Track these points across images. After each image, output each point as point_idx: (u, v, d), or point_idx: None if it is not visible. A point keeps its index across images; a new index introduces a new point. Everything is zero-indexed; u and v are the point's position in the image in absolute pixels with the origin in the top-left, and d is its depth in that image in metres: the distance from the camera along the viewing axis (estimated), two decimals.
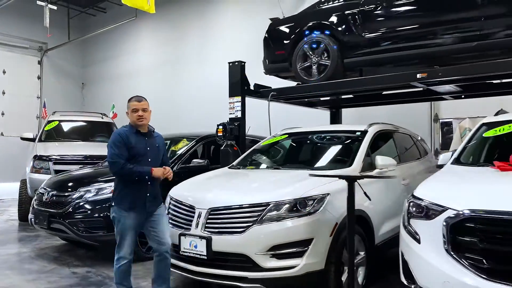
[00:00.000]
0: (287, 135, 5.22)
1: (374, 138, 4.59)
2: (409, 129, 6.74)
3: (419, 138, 5.92)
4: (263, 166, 4.86)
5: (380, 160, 4.14)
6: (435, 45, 4.79)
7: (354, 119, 8.20)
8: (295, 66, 5.78)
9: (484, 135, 3.74)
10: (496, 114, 4.19)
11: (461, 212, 2.39)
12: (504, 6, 4.28)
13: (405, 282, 2.72)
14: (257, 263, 3.24)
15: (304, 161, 4.91)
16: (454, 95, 6.19)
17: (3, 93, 13.13)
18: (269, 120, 5.73)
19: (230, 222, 3.39)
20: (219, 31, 10.67)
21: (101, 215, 4.95)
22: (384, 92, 6.60)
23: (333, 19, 5.49)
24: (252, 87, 6.06)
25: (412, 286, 2.65)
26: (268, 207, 3.33)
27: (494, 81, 5.42)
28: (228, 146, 5.46)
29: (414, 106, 7.58)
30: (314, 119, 7.72)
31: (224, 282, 3.38)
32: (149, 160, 3.41)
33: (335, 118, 7.90)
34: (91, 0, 12.99)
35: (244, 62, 5.82)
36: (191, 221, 3.55)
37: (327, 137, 5.02)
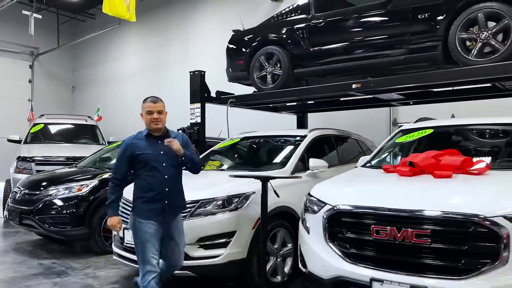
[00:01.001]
0: (239, 139, 5.71)
1: (312, 142, 5.07)
2: (371, 133, 7.22)
3: (366, 142, 6.37)
4: (213, 167, 5.34)
5: (312, 162, 4.62)
6: (371, 57, 5.25)
7: (320, 122, 8.68)
8: (253, 75, 6.27)
9: (396, 140, 4.21)
10: (416, 121, 4.66)
11: (334, 207, 2.87)
12: (425, 25, 4.74)
13: (302, 268, 3.20)
14: (186, 253, 3.72)
15: (250, 162, 5.37)
16: (403, 101, 6.68)
17: None
18: (227, 124, 6.21)
19: None
20: (200, 37, 11.15)
21: (68, 211, 5.46)
22: (342, 99, 7.06)
23: (285, 33, 5.96)
24: (214, 94, 6.55)
25: (304, 270, 3.12)
26: (198, 204, 3.82)
27: (434, 90, 5.89)
28: None
29: (375, 110, 8.05)
30: (284, 123, 8.23)
31: None
32: (164, 165, 3.17)
33: (302, 122, 8.36)
34: (81, 6, 13.48)
35: (204, 72, 6.31)
36: None
37: (274, 141, 5.50)
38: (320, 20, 5.64)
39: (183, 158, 3.21)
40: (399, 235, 2.52)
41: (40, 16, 10.89)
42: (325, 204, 2.95)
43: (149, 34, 12.63)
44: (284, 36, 5.96)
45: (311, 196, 3.18)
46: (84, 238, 5.50)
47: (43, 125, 10.38)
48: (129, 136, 3.33)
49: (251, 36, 6.40)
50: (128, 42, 13.39)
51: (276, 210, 4.02)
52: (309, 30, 5.73)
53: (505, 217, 2.32)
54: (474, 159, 3.21)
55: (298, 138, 5.13)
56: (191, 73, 6.32)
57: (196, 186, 4.08)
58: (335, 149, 5.51)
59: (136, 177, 3.24)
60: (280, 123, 8.34)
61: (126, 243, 4.06)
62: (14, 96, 13.96)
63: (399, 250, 2.54)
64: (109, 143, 8.74)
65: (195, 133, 6.04)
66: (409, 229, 2.49)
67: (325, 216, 2.91)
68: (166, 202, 3.18)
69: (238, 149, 5.73)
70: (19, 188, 5.97)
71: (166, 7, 12.10)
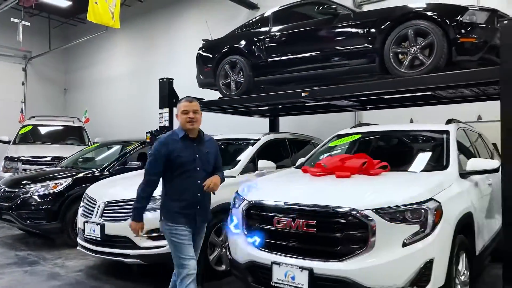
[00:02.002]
0: None
1: (265, 145, 5.56)
2: None
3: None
4: None
5: (260, 163, 5.10)
6: (320, 68, 5.70)
7: (291, 126, 9.14)
8: (218, 82, 6.75)
9: (329, 144, 4.70)
10: (352, 127, 5.14)
11: (249, 202, 3.36)
12: (364, 40, 5.20)
13: (228, 255, 3.68)
14: (136, 243, 4.22)
15: None
16: (361, 107, 7.18)
17: None
18: None
19: (119, 212, 4.38)
20: (182, 43, 11.64)
21: (43, 207, 5.96)
22: (307, 104, 7.53)
23: (246, 43, 6.43)
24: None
25: (230, 257, 3.61)
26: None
27: (385, 96, 6.36)
28: None
29: (342, 115, 8.53)
30: (258, 127, 8.68)
31: (113, 258, 4.37)
32: (197, 169, 3.10)
33: (273, 126, 8.84)
34: (71, 12, 13.98)
35: (172, 79, 6.80)
36: (93, 211, 4.54)
37: (229, 143, 5.98)
38: (276, 33, 6.12)
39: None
40: (293, 225, 3.01)
41: (28, 24, 11.42)
42: (244, 199, 3.44)
43: (135, 39, 13.16)
44: (246, 46, 6.42)
45: (237, 192, 3.67)
46: (58, 232, 6.00)
47: (31, 126, 10.92)
48: (163, 135, 3.26)
49: (217, 45, 6.89)
50: (115, 47, 13.91)
51: (219, 207, 4.48)
52: (266, 42, 6.20)
53: (373, 210, 2.80)
54: (382, 161, 3.69)
55: (251, 141, 5.62)
56: (160, 80, 6.81)
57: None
58: (288, 152, 5.98)
59: (167, 180, 3.13)
60: (255, 127, 8.78)
61: (86, 235, 4.55)
62: (8, 98, 14.46)
63: (294, 237, 3.03)
64: (95, 144, 9.22)
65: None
66: (300, 220, 2.97)
67: (243, 210, 3.40)
68: (198, 207, 3.12)
69: None
70: (0, 186, 6.48)
71: (151, 13, 12.63)
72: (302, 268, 2.91)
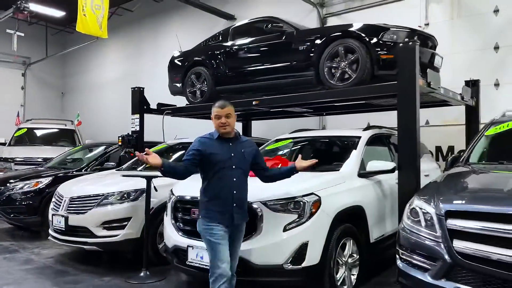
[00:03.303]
0: (167, 145, 6.90)
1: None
2: None
3: None
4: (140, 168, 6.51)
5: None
6: (269, 79, 6.38)
7: (263, 130, 9.81)
8: (186, 90, 7.47)
9: (266, 148, 5.38)
10: (291, 132, 5.81)
11: (176, 196, 4.06)
12: (304, 55, 5.86)
13: (162, 244, 4.38)
14: (94, 232, 4.94)
15: None
16: (317, 113, 7.87)
17: None
18: (163, 131, 7.37)
19: (81, 206, 5.10)
20: (168, 50, 12.32)
21: (24, 203, 6.70)
22: (279, 109, 8.16)
23: (209, 56, 7.13)
24: (155, 106, 7.76)
25: (161, 245, 4.31)
26: (103, 196, 5.02)
27: (335, 104, 7.02)
28: (126, 153, 7.17)
29: (309, 119, 9.19)
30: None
31: (75, 245, 5.11)
32: (233, 167, 3.18)
33: (246, 129, 9.54)
34: (66, 20, 14.78)
35: (143, 88, 7.53)
36: (60, 205, 5.28)
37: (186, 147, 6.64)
38: (233, 47, 6.82)
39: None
40: None
41: (22, 34, 12.19)
42: (173, 195, 4.14)
43: (125, 46, 13.97)
44: (208, 59, 7.13)
45: (171, 190, 4.36)
46: (38, 225, 6.72)
47: (26, 129, 11.72)
48: (201, 136, 3.34)
49: (186, 57, 7.60)
50: (107, 53, 14.73)
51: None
52: (225, 55, 6.90)
53: (261, 202, 3.49)
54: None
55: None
56: (132, 89, 7.55)
57: (107, 183, 5.31)
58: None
59: (205, 179, 3.24)
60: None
61: (54, 226, 5.29)
62: (8, 102, 15.30)
63: None
64: (78, 146, 9.97)
65: (134, 139, 7.25)
66: None
67: (172, 203, 4.10)
68: (235, 205, 3.16)
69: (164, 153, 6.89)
70: None
71: (140, 22, 13.43)
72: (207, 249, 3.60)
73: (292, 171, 3.45)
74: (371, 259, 4.25)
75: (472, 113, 6.50)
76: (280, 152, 5.35)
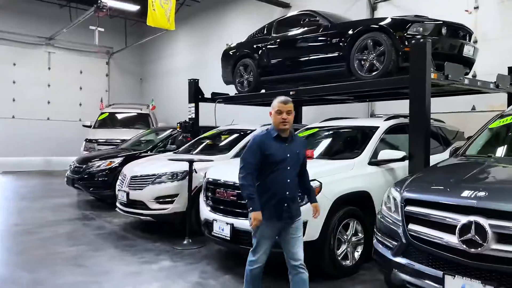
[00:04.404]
0: (218, 131, 7.72)
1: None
2: None
3: None
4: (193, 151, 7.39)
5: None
6: (306, 71, 6.86)
7: (314, 115, 10.26)
8: (235, 80, 8.20)
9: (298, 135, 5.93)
10: (324, 121, 6.28)
11: (207, 178, 4.83)
12: (337, 48, 6.25)
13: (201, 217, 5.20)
14: (148, 206, 5.93)
15: (218, 148, 7.29)
16: (361, 99, 8.19)
17: (80, 88, 17.09)
18: (215, 117, 8.22)
19: (139, 183, 6.11)
20: (231, 38, 13.10)
21: (100, 179, 7.98)
22: (326, 97, 8.61)
23: (254, 49, 7.76)
24: (210, 95, 8.60)
25: (202, 218, 5.12)
26: (157, 176, 5.98)
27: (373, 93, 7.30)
28: (183, 138, 8.13)
29: (358, 105, 9.49)
30: None
31: (134, 216, 6.16)
32: (288, 168, 3.20)
33: (297, 115, 10.06)
34: (143, 12, 16.14)
35: (198, 79, 8.38)
36: (123, 182, 6.35)
37: (235, 132, 7.37)
38: (274, 40, 7.37)
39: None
40: (225, 195, 4.44)
41: (103, 29, 13.70)
42: (205, 177, 4.93)
43: (193, 35, 15.02)
44: (254, 51, 7.76)
45: (205, 173, 5.15)
46: (111, 198, 7.96)
47: (108, 113, 13.33)
48: (258, 134, 3.34)
49: (234, 50, 8.30)
50: (177, 43, 15.97)
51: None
52: (268, 48, 7.48)
53: None
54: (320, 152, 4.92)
55: (248, 131, 7.00)
56: (189, 80, 8.43)
57: (159, 165, 6.26)
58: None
59: (259, 176, 3.23)
60: None
61: (119, 199, 6.39)
62: (95, 88, 17.27)
63: (225, 203, 4.45)
64: (148, 130, 11.23)
65: (190, 125, 8.18)
66: (228, 191, 4.39)
67: (204, 183, 4.89)
68: (286, 205, 3.20)
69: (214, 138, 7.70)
70: (73, 162, 8.68)
71: (206, 12, 14.39)
72: (227, 223, 4.34)
73: (308, 201, 3.59)
74: None
75: None
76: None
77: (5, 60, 15.38)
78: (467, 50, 5.83)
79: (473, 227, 2.58)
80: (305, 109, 10.13)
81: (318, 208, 3.52)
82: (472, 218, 2.61)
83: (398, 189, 3.27)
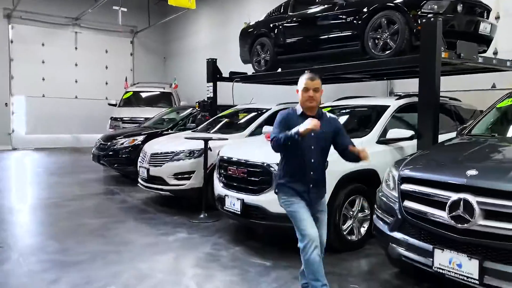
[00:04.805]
0: (236, 109, 7.90)
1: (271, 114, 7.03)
2: None
3: None
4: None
5: (264, 128, 6.64)
6: (322, 49, 6.91)
7: (333, 92, 10.26)
8: (252, 59, 8.31)
9: None
10: (337, 100, 6.36)
11: (221, 156, 5.05)
12: (351, 26, 6.25)
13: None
14: (167, 181, 6.23)
15: (228, 127, 7.45)
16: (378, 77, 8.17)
17: (106, 67, 17.51)
18: (233, 95, 8.39)
19: (158, 160, 6.40)
20: (251, 16, 13.16)
21: (123, 156, 8.35)
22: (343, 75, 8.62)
23: (271, 28, 7.81)
24: (228, 74, 8.75)
25: (216, 194, 5.37)
26: (175, 153, 6.25)
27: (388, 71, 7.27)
28: (202, 116, 8.37)
29: (376, 83, 9.46)
30: None
31: (154, 191, 6.48)
32: (312, 148, 3.07)
33: None
34: None
35: (216, 59, 8.53)
36: (144, 159, 6.66)
37: (251, 111, 7.53)
38: (291, 19, 7.41)
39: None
40: (236, 171, 4.65)
41: (125, 9, 13.90)
42: (219, 155, 5.15)
43: (213, 15, 15.09)
44: (271, 30, 7.82)
45: (219, 150, 5.37)
46: (134, 174, 8.34)
47: (132, 92, 13.70)
48: (283, 110, 3.23)
49: (252, 29, 8.37)
50: (199, 21, 16.02)
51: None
52: (284, 26, 7.53)
53: (275, 163, 4.28)
54: None
55: (264, 110, 7.15)
56: (207, 60, 8.59)
57: (176, 143, 6.52)
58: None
59: (283, 156, 3.18)
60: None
61: (140, 175, 6.73)
62: (120, 67, 17.65)
63: (236, 180, 4.67)
64: (170, 108, 11.52)
65: (208, 104, 8.39)
66: (239, 168, 4.60)
67: (218, 160, 5.12)
68: (311, 186, 3.12)
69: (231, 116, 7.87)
70: (98, 140, 9.08)
71: None
72: (238, 199, 4.57)
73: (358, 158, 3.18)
74: None
75: None
76: None
77: (34, 40, 15.89)
78: (484, 28, 5.73)
79: (461, 204, 2.69)
80: (325, 87, 10.14)
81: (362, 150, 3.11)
82: (461, 195, 2.72)
83: (397, 167, 3.39)
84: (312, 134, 3.01)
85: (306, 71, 3.29)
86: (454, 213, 2.73)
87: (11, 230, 5.53)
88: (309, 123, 2.85)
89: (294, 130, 2.90)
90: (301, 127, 2.86)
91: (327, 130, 3.14)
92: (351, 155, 3.19)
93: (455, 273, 2.68)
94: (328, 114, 3.28)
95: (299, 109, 3.15)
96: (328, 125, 3.17)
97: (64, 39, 16.56)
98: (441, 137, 4.82)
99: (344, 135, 3.25)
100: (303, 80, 3.12)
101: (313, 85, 3.08)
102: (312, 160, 3.11)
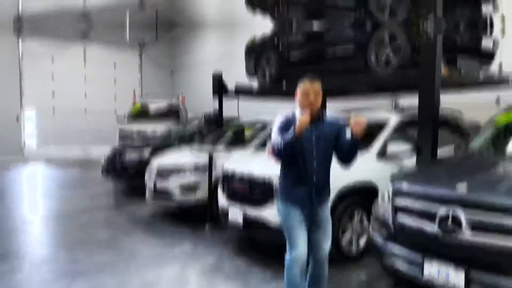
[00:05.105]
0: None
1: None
2: None
3: None
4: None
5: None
6: (325, 65, 7.10)
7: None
8: (257, 73, 8.53)
9: None
10: None
11: (225, 170, 5.23)
12: (355, 43, 6.45)
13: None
14: (174, 195, 6.41)
15: (233, 141, 7.62)
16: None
17: (115, 81, 17.89)
18: (238, 111, 8.60)
19: (163, 173, 6.60)
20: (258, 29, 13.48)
21: (131, 170, 8.56)
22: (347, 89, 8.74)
23: (275, 42, 8.03)
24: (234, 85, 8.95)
25: (220, 206, 5.54)
26: (180, 167, 6.44)
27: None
28: (208, 130, 8.58)
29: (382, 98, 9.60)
30: None
31: (161, 203, 6.68)
32: (314, 152, 3.00)
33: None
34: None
35: (221, 74, 8.75)
36: (151, 173, 6.86)
37: (252, 126, 7.69)
38: (292, 36, 7.62)
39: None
40: (238, 185, 4.82)
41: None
42: (223, 168, 5.33)
43: (220, 29, 15.39)
44: (276, 45, 8.03)
45: (223, 164, 5.55)
46: (141, 187, 8.51)
47: (139, 105, 13.98)
48: (281, 116, 3.13)
49: (257, 43, 8.60)
50: (206, 35, 16.36)
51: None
52: (286, 42, 7.74)
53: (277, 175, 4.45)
54: None
55: (268, 123, 7.33)
56: (213, 75, 8.82)
57: (183, 156, 6.71)
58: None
59: (284, 161, 3.08)
60: None
61: (148, 189, 6.91)
62: (129, 80, 18.01)
63: (238, 193, 4.84)
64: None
65: (214, 117, 8.60)
66: (242, 182, 4.77)
67: (222, 174, 5.30)
68: (314, 189, 3.05)
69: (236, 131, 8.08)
70: (107, 153, 9.31)
71: (233, 6, 14.65)
72: (240, 211, 4.74)
73: (353, 144, 3.01)
74: None
75: None
76: None
77: (44, 56, 16.33)
78: (486, 44, 5.86)
79: (450, 217, 2.84)
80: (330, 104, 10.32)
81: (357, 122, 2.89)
82: (450, 209, 2.86)
83: (392, 181, 3.54)
84: (314, 137, 2.98)
85: (306, 75, 3.20)
86: (443, 225, 2.87)
87: (24, 240, 5.74)
88: (299, 119, 2.82)
89: (290, 131, 2.86)
90: (301, 122, 2.81)
91: (329, 132, 3.06)
92: (346, 148, 3.04)
93: (443, 284, 2.82)
94: (330, 116, 3.19)
95: (298, 113, 3.05)
96: (330, 126, 3.09)
97: (73, 54, 16.98)
98: (442, 152, 4.95)
99: (344, 137, 3.07)
100: (303, 84, 3.08)
101: (312, 88, 3.02)
102: (315, 165, 3.02)
